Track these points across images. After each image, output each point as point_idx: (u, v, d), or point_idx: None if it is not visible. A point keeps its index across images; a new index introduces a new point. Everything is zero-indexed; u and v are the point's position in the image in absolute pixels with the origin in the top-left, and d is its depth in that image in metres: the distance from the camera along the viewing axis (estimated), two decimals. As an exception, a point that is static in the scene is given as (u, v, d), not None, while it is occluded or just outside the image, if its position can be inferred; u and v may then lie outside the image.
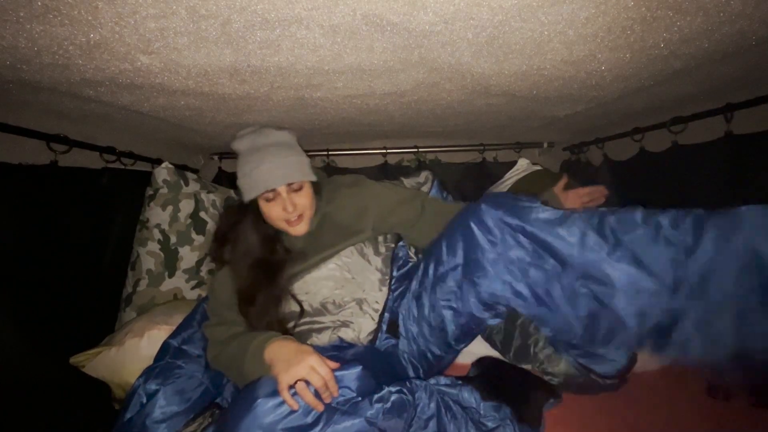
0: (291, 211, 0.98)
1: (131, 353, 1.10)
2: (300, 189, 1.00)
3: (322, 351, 0.85)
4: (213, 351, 0.98)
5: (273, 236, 1.07)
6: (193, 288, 1.49)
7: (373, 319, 1.02)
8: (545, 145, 2.09)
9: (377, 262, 1.07)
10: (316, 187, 1.07)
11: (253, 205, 1.02)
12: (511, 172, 1.74)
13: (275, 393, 0.73)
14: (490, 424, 0.89)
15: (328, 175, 1.19)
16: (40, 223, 1.13)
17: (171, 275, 1.45)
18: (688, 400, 1.07)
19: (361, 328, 1.02)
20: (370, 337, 1.01)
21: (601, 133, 1.74)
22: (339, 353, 0.95)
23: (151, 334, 1.13)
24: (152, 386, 0.95)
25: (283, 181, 0.97)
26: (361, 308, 1.03)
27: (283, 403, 0.72)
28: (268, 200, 0.99)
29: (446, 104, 1.25)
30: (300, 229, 1.02)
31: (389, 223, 1.10)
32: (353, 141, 1.95)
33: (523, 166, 1.72)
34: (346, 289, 1.04)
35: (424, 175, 1.31)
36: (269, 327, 0.96)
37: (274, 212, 1.00)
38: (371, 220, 1.09)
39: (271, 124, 1.13)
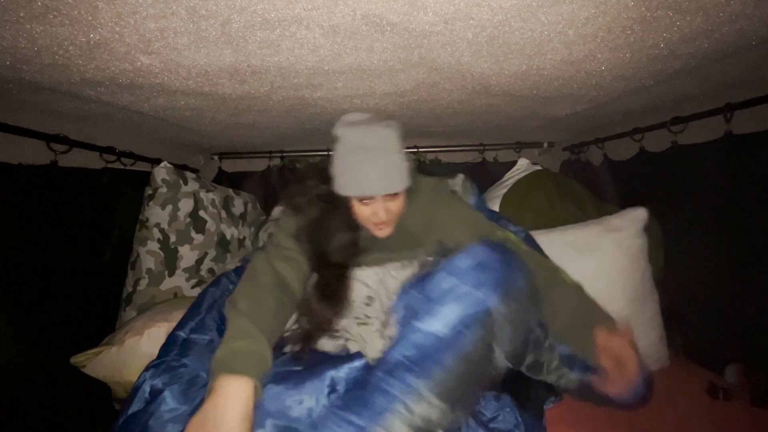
0: (383, 217, 0.95)
1: (132, 352, 1.10)
2: (395, 195, 0.97)
3: (322, 357, 0.86)
4: (243, 296, 0.90)
5: (357, 227, 1.03)
6: (193, 287, 1.49)
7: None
8: (545, 145, 2.08)
9: None
10: (407, 190, 1.02)
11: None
12: (511, 172, 1.74)
13: (279, 380, 0.77)
14: (488, 414, 0.89)
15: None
16: (40, 223, 1.13)
17: (171, 274, 1.45)
18: (688, 400, 1.07)
19: (373, 348, 0.97)
20: (377, 356, 0.97)
21: (601, 133, 1.74)
22: (334, 366, 0.90)
23: (151, 332, 1.12)
24: (158, 384, 0.92)
25: (384, 191, 0.94)
26: (381, 334, 0.98)
27: (287, 389, 0.76)
28: (362, 201, 0.96)
29: (446, 104, 1.25)
30: (385, 232, 1.00)
31: (450, 242, 1.05)
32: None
33: (523, 166, 1.72)
34: (373, 306, 1.01)
35: (459, 179, 1.25)
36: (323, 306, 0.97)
37: (365, 213, 0.97)
38: (436, 235, 1.05)
39: (378, 115, 1.03)
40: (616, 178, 1.74)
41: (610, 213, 1.42)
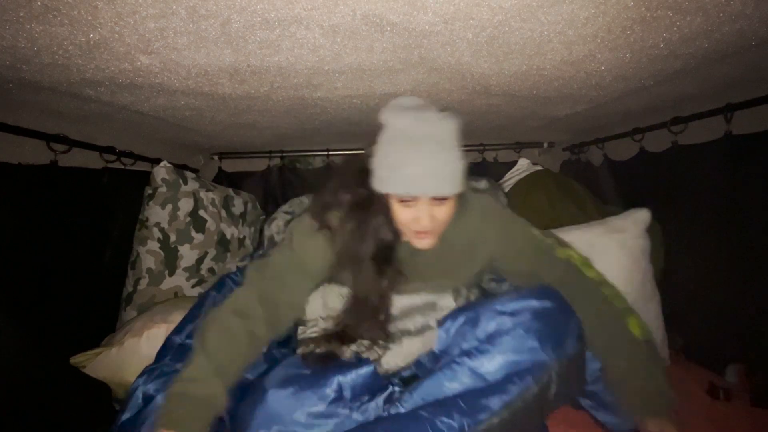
0: (426, 224, 0.80)
1: (131, 353, 1.10)
2: (444, 201, 0.81)
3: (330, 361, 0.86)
4: (216, 329, 0.84)
5: (397, 234, 0.88)
6: (193, 286, 1.49)
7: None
8: (545, 145, 2.08)
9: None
10: (459, 197, 0.86)
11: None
12: (511, 172, 1.74)
13: (285, 384, 0.76)
14: None
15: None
16: (40, 223, 1.13)
17: (171, 274, 1.45)
18: (688, 400, 1.07)
19: (389, 361, 0.95)
20: (391, 369, 0.96)
21: (601, 133, 1.74)
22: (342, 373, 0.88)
23: (150, 333, 1.12)
24: (150, 390, 0.93)
25: (432, 192, 0.78)
26: (402, 351, 0.95)
27: (293, 393, 0.75)
28: (403, 202, 0.81)
29: (446, 104, 1.24)
30: (426, 243, 0.84)
31: (502, 269, 0.96)
32: (353, 141, 1.95)
33: (523, 166, 1.72)
34: (403, 321, 0.96)
35: (483, 183, 1.15)
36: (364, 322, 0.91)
37: (406, 217, 0.81)
38: (486, 256, 0.95)
39: (430, 102, 0.89)
40: (616, 178, 1.74)
41: (610, 213, 1.42)
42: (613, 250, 1.23)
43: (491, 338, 0.80)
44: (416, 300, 0.98)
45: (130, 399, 0.93)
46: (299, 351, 0.96)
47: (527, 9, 0.69)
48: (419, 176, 0.76)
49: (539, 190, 1.57)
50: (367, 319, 0.91)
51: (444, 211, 0.82)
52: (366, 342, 0.94)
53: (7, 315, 1.03)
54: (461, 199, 0.87)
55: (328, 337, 0.93)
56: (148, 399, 0.91)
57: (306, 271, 0.90)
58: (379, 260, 0.87)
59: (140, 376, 0.96)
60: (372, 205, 0.85)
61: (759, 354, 1.13)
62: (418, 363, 0.96)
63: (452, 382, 0.78)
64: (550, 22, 0.73)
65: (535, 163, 1.74)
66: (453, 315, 0.89)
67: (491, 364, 0.78)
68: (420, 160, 0.76)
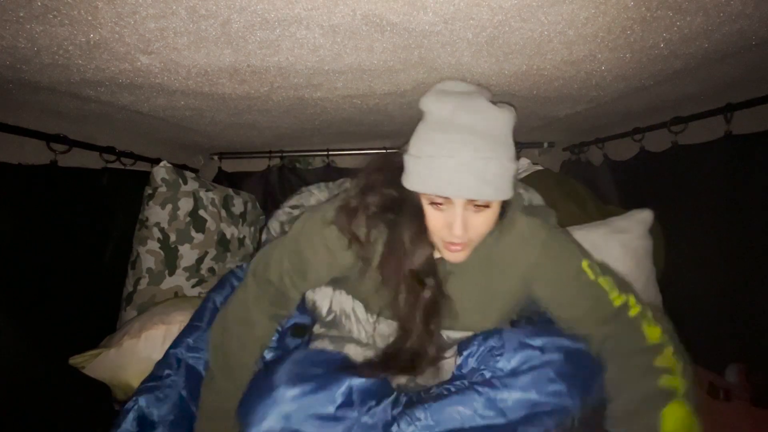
0: (459, 233, 0.67)
1: (130, 354, 1.10)
2: (485, 208, 0.68)
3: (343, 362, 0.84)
4: (219, 346, 0.84)
5: (432, 248, 0.75)
6: (193, 286, 1.49)
7: None
8: (545, 145, 2.08)
9: None
10: (505, 207, 0.73)
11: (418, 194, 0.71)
12: (511, 172, 1.74)
13: (295, 382, 0.75)
14: None
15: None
16: (40, 223, 1.13)
17: (171, 273, 1.45)
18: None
19: None
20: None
21: (601, 133, 1.74)
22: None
23: (149, 334, 1.12)
24: (153, 414, 0.90)
25: (467, 195, 0.65)
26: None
27: (303, 393, 0.74)
28: (435, 205, 0.68)
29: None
30: (457, 257, 0.71)
31: (544, 307, 0.81)
32: (353, 141, 1.95)
33: (524, 166, 1.71)
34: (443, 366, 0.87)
35: (538, 198, 1.08)
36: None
37: (437, 223, 0.69)
38: (520, 293, 0.82)
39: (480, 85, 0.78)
40: (616, 178, 1.74)
41: (611, 213, 1.41)
42: (617, 250, 1.23)
43: (516, 372, 0.74)
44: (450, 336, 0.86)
45: (123, 419, 0.88)
46: (316, 343, 0.94)
47: (527, 9, 0.69)
48: (455, 173, 0.64)
49: (540, 189, 1.56)
50: (416, 351, 0.79)
51: (483, 220, 0.68)
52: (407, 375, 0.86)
53: (6, 315, 1.03)
54: (507, 213, 0.74)
55: (372, 365, 0.83)
56: (144, 424, 0.88)
57: (305, 277, 0.83)
58: (420, 278, 0.75)
59: (139, 393, 0.91)
60: (403, 210, 0.73)
61: (759, 354, 1.13)
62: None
63: (466, 408, 0.73)
64: (550, 22, 0.73)
65: (535, 163, 1.73)
66: (477, 339, 0.82)
67: (511, 400, 0.72)
68: (458, 154, 0.64)
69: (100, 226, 1.39)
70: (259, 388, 0.81)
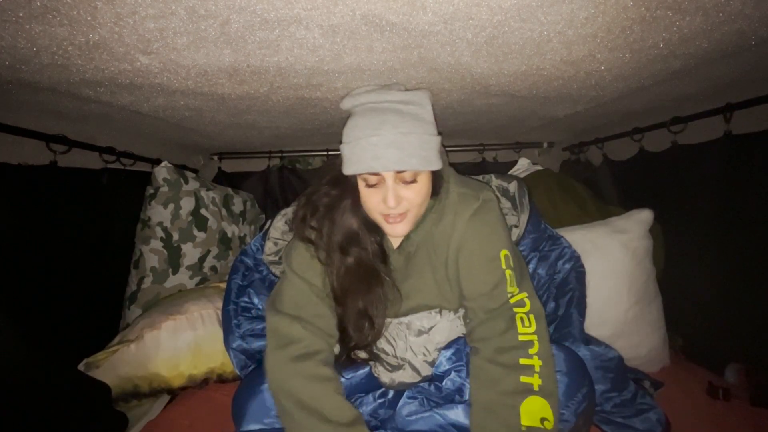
0: (392, 206, 0.73)
1: (155, 345, 1.12)
2: (413, 181, 0.74)
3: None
4: (277, 379, 0.77)
5: (375, 229, 0.82)
6: (197, 284, 1.50)
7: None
8: (545, 145, 2.08)
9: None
10: (436, 180, 0.79)
11: (356, 180, 0.78)
12: (511, 172, 1.74)
13: None
14: None
15: None
16: (39, 224, 1.13)
17: (175, 272, 1.46)
18: (688, 400, 1.07)
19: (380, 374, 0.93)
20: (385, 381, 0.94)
21: (601, 133, 1.74)
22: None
23: (167, 325, 1.14)
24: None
25: (393, 167, 0.71)
26: (392, 369, 0.91)
27: None
28: (368, 184, 0.75)
29: (446, 104, 1.25)
30: (398, 230, 0.77)
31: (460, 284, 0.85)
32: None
33: (523, 166, 1.71)
34: (396, 346, 0.92)
35: (514, 185, 1.10)
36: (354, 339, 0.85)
37: (372, 201, 0.76)
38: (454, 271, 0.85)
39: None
40: (616, 178, 1.74)
41: (611, 213, 1.41)
42: (617, 250, 1.23)
43: None
44: (410, 322, 0.91)
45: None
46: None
47: (527, 9, 0.69)
48: (379, 148, 0.70)
49: (540, 189, 1.57)
50: (358, 333, 0.85)
51: (414, 191, 0.74)
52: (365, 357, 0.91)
53: (7, 315, 1.03)
54: (440, 188, 0.80)
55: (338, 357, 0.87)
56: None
57: (319, 293, 0.84)
58: (365, 255, 0.81)
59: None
60: (344, 199, 0.79)
61: (759, 354, 1.13)
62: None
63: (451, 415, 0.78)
64: (550, 22, 0.73)
65: (535, 163, 1.73)
66: (459, 342, 0.87)
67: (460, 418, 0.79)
68: (380, 132, 0.70)
69: (99, 227, 1.39)
70: (246, 390, 0.82)
